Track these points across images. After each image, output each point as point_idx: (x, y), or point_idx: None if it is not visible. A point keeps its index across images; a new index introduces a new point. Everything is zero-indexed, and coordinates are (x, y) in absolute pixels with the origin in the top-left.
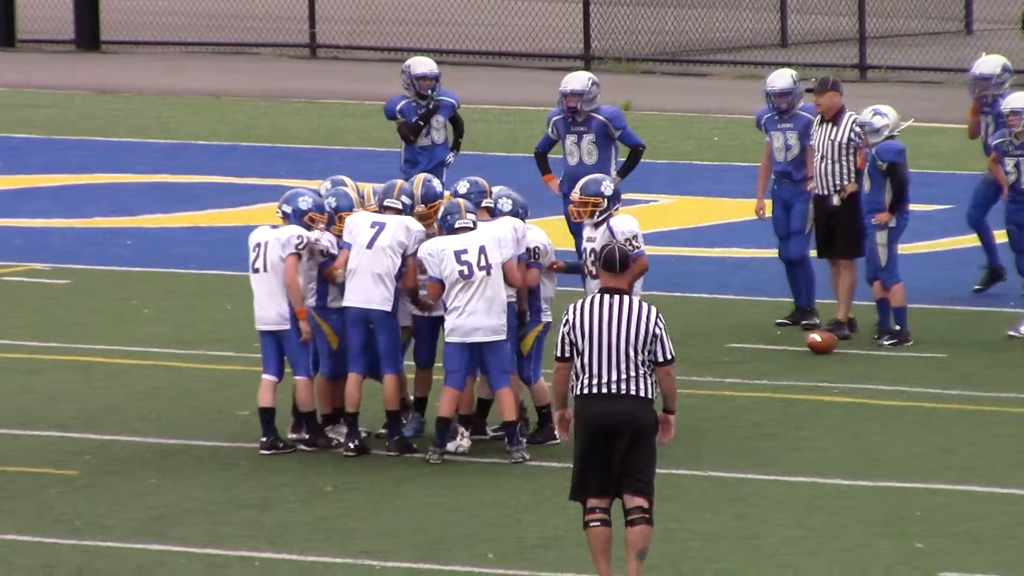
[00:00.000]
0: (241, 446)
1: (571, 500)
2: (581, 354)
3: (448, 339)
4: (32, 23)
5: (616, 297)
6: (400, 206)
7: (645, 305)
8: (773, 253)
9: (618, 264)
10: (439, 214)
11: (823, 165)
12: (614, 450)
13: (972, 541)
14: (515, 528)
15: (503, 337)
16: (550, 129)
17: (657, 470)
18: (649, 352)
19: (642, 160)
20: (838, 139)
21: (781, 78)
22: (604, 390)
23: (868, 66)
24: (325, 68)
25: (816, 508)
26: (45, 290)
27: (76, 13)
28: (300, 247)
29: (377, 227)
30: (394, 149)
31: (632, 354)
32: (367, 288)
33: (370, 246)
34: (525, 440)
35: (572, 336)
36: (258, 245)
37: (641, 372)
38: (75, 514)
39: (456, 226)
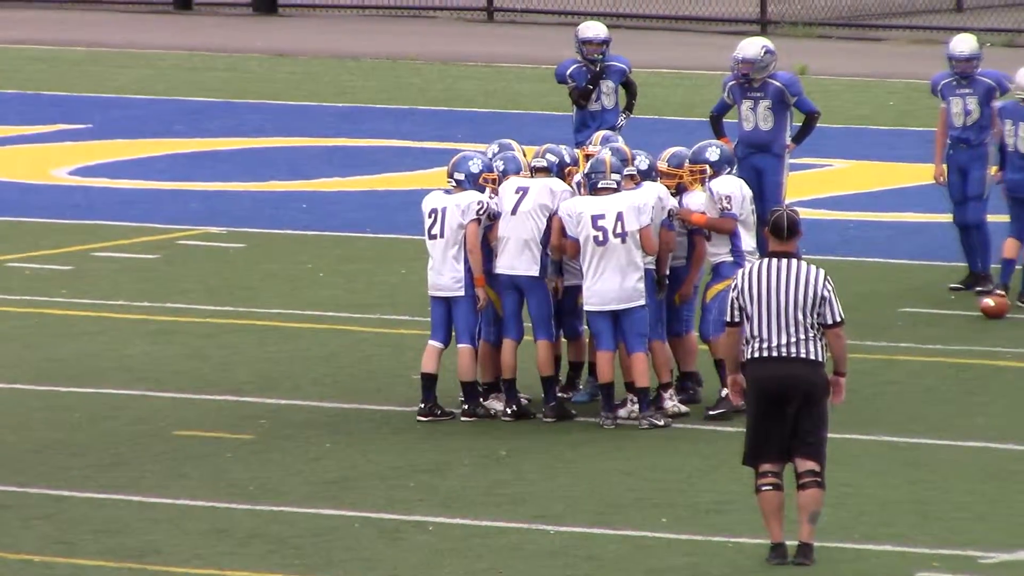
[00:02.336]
0: (416, 411)
1: (744, 465)
2: (750, 319)
3: (586, 307)
4: None
5: (784, 261)
6: (546, 164)
7: (813, 268)
8: (948, 218)
9: (786, 229)
10: (585, 169)
11: None
12: (785, 414)
13: None
14: (688, 492)
15: (640, 303)
16: (726, 94)
17: (830, 435)
18: (818, 315)
19: (817, 125)
20: None
21: (966, 42)
22: (775, 354)
23: None
24: (502, 32)
25: (989, 473)
26: (220, 253)
27: None
28: (481, 212)
29: (521, 192)
30: (567, 113)
31: (801, 317)
32: (513, 255)
33: (514, 212)
34: (656, 408)
35: (741, 300)
36: (434, 211)
37: (811, 335)
38: (249, 478)
39: (599, 186)
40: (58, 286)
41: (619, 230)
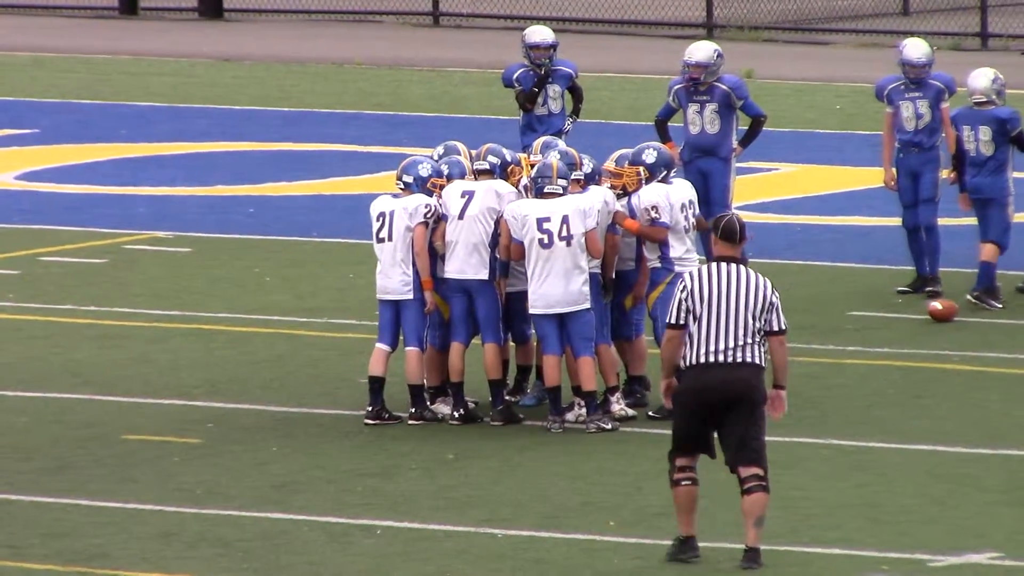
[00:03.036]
0: (363, 414)
1: (669, 458)
2: (698, 321)
3: (531, 310)
4: None
5: (733, 265)
6: (488, 166)
7: (760, 275)
8: (895, 221)
9: (738, 234)
10: (532, 173)
11: None
12: (719, 416)
13: None
14: (636, 496)
15: (584, 306)
16: (671, 98)
17: (779, 439)
18: (765, 321)
19: (764, 129)
20: None
21: (919, 48)
22: (721, 358)
23: (989, 34)
24: (448, 36)
25: (936, 476)
26: (167, 258)
27: None
28: (428, 216)
29: (467, 196)
30: (514, 117)
31: (751, 321)
32: (462, 259)
33: (461, 216)
34: (603, 411)
35: (690, 303)
36: (382, 215)
37: (756, 340)
38: (196, 482)
39: (545, 190)
40: (5, 290)
41: (564, 233)
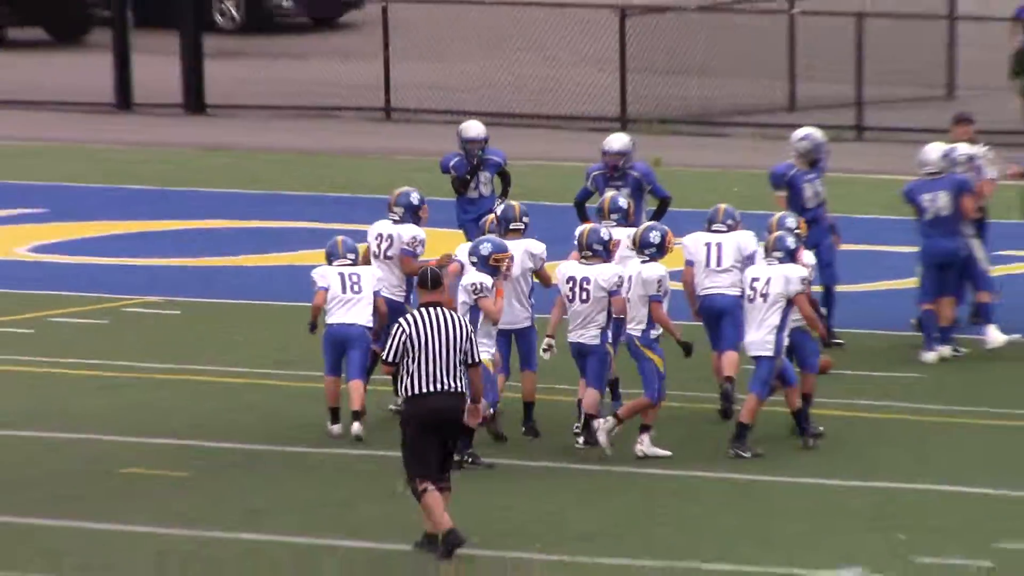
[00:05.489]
0: (326, 451)
1: (415, 478)
2: (416, 359)
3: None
4: (145, 89)
5: (438, 308)
6: (523, 226)
7: (458, 315)
8: None
9: (430, 281)
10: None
11: None
12: (441, 438)
13: (944, 534)
14: (561, 522)
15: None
16: (589, 182)
17: (674, 471)
18: (464, 353)
19: (670, 209)
20: None
21: (813, 137)
22: (438, 387)
23: (864, 128)
24: (398, 129)
25: (816, 505)
26: (159, 319)
27: (184, 81)
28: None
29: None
30: (451, 199)
31: (459, 356)
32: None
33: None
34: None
35: (409, 343)
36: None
37: (461, 371)
38: (187, 508)
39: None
40: (20, 346)
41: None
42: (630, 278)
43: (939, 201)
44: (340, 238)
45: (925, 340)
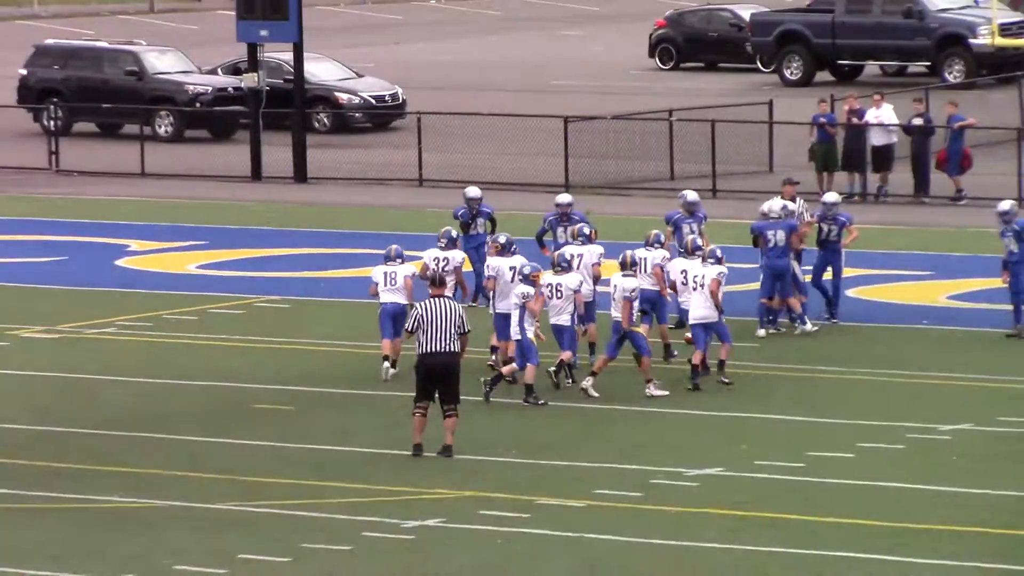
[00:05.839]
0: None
1: (415, 403)
2: (426, 330)
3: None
4: (270, 167)
5: (442, 299)
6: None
7: (455, 302)
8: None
9: (436, 282)
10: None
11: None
12: (439, 380)
13: (773, 446)
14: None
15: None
16: (546, 224)
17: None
18: (456, 327)
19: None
20: None
21: (694, 194)
22: (440, 348)
23: (718, 190)
24: (426, 192)
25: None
26: (277, 311)
27: (295, 162)
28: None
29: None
30: (461, 234)
31: (454, 329)
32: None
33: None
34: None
35: (421, 320)
36: (437, 259)
37: (455, 337)
38: (293, 431)
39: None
40: (189, 328)
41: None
42: (615, 287)
43: (778, 236)
44: (393, 247)
45: (760, 322)
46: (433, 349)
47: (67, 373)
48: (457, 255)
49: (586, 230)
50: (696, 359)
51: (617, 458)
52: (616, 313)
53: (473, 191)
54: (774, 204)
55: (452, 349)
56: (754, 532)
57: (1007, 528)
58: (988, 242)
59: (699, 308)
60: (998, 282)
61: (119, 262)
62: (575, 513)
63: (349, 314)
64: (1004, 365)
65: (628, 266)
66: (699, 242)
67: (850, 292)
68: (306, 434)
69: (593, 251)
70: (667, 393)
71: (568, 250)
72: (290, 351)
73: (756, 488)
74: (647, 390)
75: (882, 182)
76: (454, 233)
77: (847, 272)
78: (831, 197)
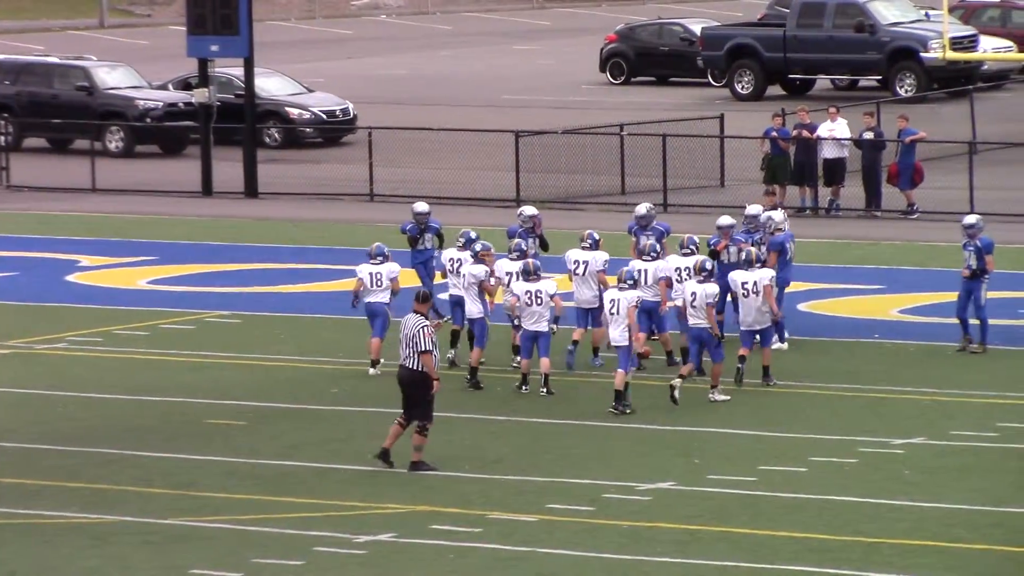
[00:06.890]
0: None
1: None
2: (401, 344)
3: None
4: (220, 182)
5: (411, 316)
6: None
7: (415, 318)
8: None
9: (420, 298)
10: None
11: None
12: (405, 394)
13: (727, 459)
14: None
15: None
16: (508, 235)
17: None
18: (414, 345)
19: (547, 254)
20: None
21: (647, 207)
22: (403, 362)
23: (669, 204)
24: (377, 207)
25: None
26: (227, 326)
27: (245, 176)
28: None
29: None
30: (406, 249)
31: (413, 345)
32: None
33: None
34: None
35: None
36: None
37: (415, 354)
38: (243, 445)
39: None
40: (140, 344)
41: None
42: (694, 294)
43: (731, 252)
44: (375, 245)
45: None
46: (401, 362)
47: (18, 389)
48: (392, 268)
49: (596, 235)
50: (743, 352)
51: (569, 473)
52: (697, 320)
53: (421, 206)
54: (754, 208)
55: (411, 366)
56: (706, 546)
57: (958, 542)
58: (940, 256)
59: (694, 318)
60: (951, 296)
61: (70, 277)
62: (527, 527)
63: (300, 329)
64: (956, 379)
65: (704, 271)
66: (656, 247)
67: (801, 306)
68: (257, 449)
69: (599, 257)
70: (729, 398)
71: (573, 255)
72: (241, 366)
73: (708, 502)
74: (710, 395)
75: (834, 196)
76: (474, 234)
77: (797, 286)
78: (753, 209)
